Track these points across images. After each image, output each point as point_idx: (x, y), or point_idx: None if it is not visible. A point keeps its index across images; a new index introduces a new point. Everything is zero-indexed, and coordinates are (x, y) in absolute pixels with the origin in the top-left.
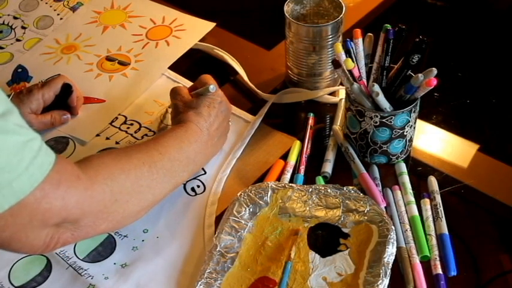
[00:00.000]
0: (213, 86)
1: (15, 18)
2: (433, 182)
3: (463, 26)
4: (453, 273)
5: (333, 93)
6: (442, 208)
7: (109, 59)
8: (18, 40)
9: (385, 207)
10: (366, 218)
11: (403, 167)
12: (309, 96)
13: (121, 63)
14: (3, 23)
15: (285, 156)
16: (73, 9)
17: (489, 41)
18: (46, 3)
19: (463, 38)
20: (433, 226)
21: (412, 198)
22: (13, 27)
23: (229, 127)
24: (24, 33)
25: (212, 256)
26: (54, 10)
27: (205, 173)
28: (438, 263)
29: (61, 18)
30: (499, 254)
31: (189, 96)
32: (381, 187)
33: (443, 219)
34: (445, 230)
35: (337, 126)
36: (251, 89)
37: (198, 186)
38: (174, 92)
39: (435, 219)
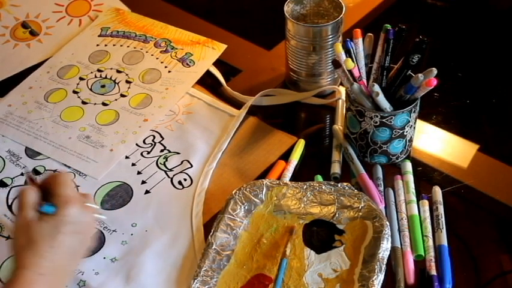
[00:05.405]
0: (52, 208)
1: (118, 71)
2: (438, 192)
3: (463, 26)
4: (448, 286)
5: (332, 95)
6: (444, 219)
7: (24, 25)
8: (122, 96)
9: (385, 207)
10: (360, 214)
11: (408, 166)
12: (293, 99)
13: (32, 33)
14: (106, 77)
15: (284, 155)
16: (182, 60)
17: (489, 41)
18: (152, 55)
19: (463, 38)
20: (430, 228)
21: (414, 198)
22: (116, 81)
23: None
24: (129, 87)
25: (208, 254)
26: (162, 62)
27: (191, 166)
28: (433, 264)
29: (169, 71)
30: (499, 254)
31: (32, 209)
32: (383, 187)
33: (444, 230)
34: (444, 241)
35: (337, 126)
36: (231, 95)
37: (185, 180)
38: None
39: (435, 229)
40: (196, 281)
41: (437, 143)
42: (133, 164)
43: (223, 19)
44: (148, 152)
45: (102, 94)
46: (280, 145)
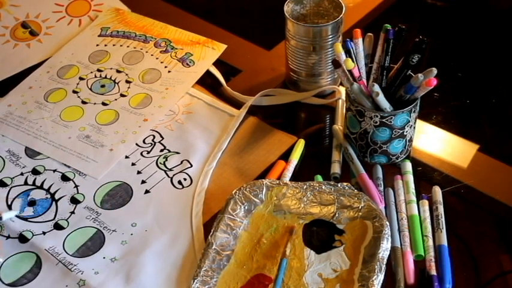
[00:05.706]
0: None
1: (118, 71)
2: (438, 192)
3: (463, 26)
4: (448, 286)
5: (332, 95)
6: (443, 219)
7: (24, 25)
8: (122, 95)
9: (385, 207)
10: (360, 214)
11: (408, 166)
12: (293, 99)
13: (32, 33)
14: (106, 77)
15: (284, 155)
16: (182, 60)
17: (489, 41)
18: (152, 55)
19: (463, 38)
20: (430, 228)
21: (414, 198)
22: (116, 81)
23: None
24: (129, 87)
25: (208, 254)
26: (162, 62)
27: (191, 166)
28: (433, 264)
29: (169, 71)
30: (499, 254)
31: None
32: (383, 187)
33: (444, 230)
34: (444, 241)
35: (337, 126)
36: (231, 95)
37: (185, 179)
38: None
39: (435, 229)
40: (196, 281)
41: (437, 143)
42: (133, 164)
43: (223, 19)
44: (148, 152)
45: (102, 94)
46: (280, 145)
